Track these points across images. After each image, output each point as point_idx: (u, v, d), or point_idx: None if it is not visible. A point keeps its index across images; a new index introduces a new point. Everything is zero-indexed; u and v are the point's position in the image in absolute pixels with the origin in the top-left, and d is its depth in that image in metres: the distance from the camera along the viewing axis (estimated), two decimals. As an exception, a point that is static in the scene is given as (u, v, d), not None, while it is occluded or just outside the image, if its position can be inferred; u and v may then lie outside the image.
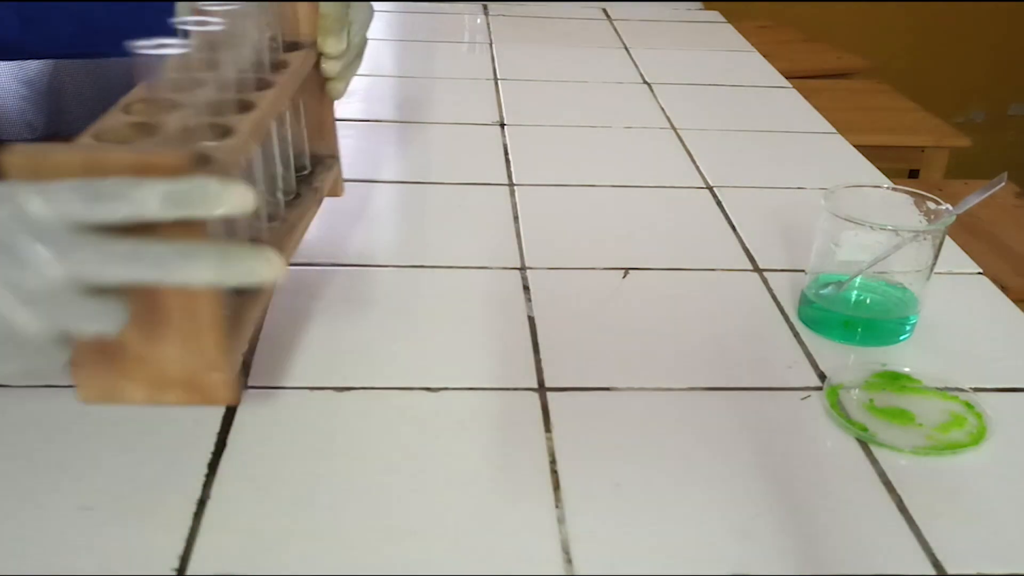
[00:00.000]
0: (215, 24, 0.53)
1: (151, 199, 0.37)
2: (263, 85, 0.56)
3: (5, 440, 0.51)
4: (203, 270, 0.38)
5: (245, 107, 0.52)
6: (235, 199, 0.38)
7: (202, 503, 0.47)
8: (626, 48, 1.34)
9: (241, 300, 0.51)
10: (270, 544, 0.45)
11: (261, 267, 0.39)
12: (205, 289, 0.42)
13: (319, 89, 0.66)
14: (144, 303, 0.42)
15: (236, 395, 0.47)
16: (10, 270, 0.35)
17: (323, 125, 0.67)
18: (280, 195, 0.62)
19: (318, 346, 0.61)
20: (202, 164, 0.42)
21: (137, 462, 0.50)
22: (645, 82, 1.19)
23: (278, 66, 0.59)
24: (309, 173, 0.67)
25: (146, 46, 0.47)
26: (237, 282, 0.39)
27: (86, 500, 0.47)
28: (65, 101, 1.19)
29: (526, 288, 0.69)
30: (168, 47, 0.47)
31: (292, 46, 0.63)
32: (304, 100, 0.66)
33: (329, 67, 0.65)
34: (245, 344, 0.50)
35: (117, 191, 0.37)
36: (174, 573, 0.43)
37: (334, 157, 0.69)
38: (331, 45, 0.64)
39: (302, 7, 0.62)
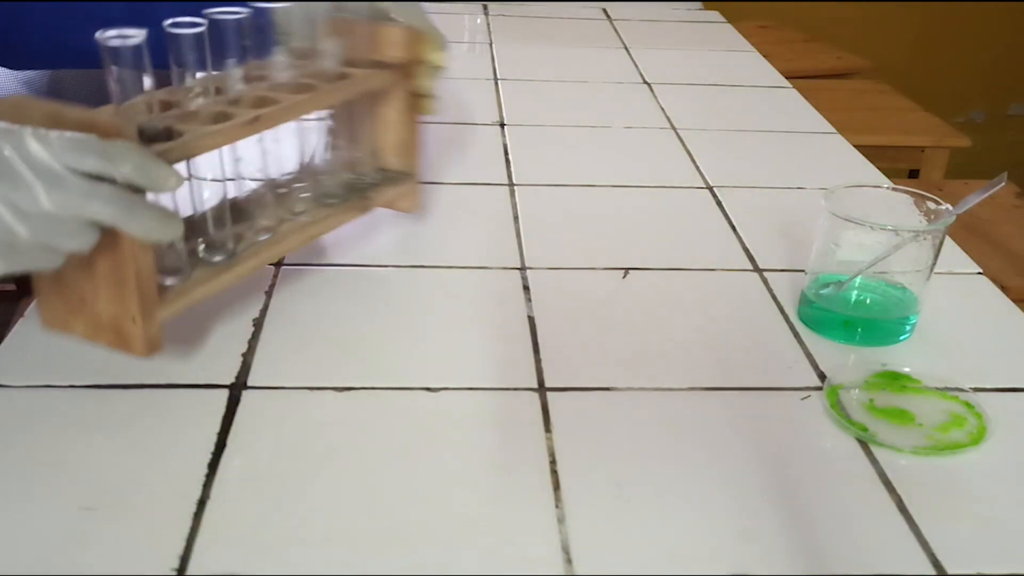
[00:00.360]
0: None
1: (125, 164, 0.46)
2: (305, 90, 0.60)
3: (5, 440, 0.51)
4: (149, 222, 0.47)
5: (267, 104, 0.57)
6: (171, 185, 0.48)
7: (202, 503, 0.47)
8: (626, 48, 1.34)
9: (192, 278, 0.56)
10: (270, 544, 0.45)
11: (161, 228, 0.47)
12: (133, 249, 0.49)
13: (405, 108, 0.68)
14: (90, 252, 0.48)
15: (150, 350, 0.52)
16: (11, 192, 0.44)
17: (404, 143, 0.70)
18: (302, 192, 0.65)
19: (318, 346, 0.61)
20: (144, 137, 0.49)
21: (137, 462, 0.50)
22: (645, 82, 1.19)
23: (340, 77, 0.63)
24: (372, 183, 0.69)
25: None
26: (150, 236, 0.48)
27: (86, 500, 0.47)
28: (64, 100, 1.19)
29: (526, 288, 0.69)
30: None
31: (376, 65, 0.66)
32: (384, 116, 0.69)
33: (428, 84, 0.69)
34: (174, 312, 0.54)
35: (100, 150, 0.45)
36: (174, 573, 0.43)
37: (409, 174, 0.71)
38: (438, 60, 0.68)
39: (397, 30, 0.65)
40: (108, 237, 0.47)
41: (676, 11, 1.57)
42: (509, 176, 0.88)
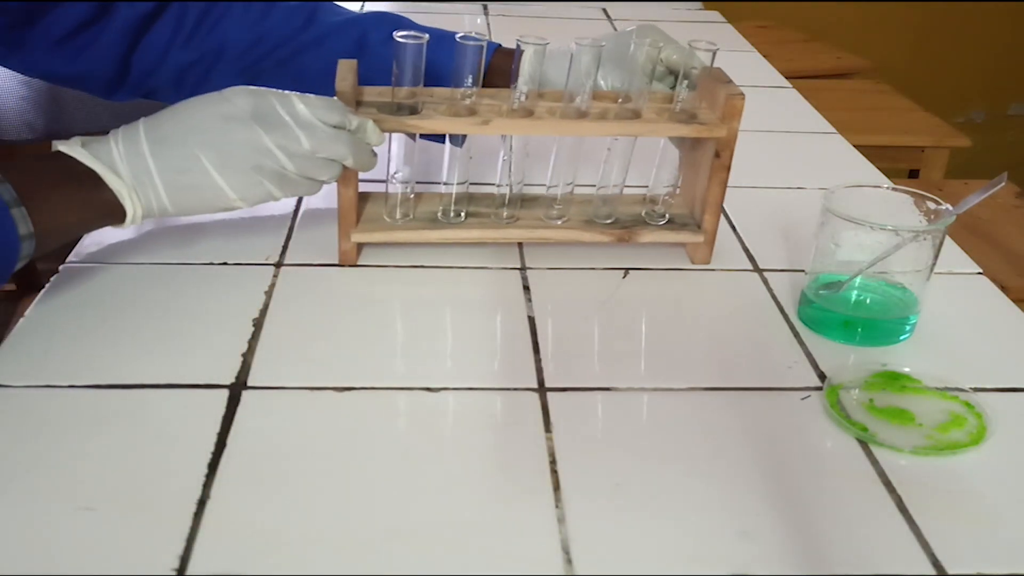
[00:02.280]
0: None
1: (354, 121, 0.64)
2: (579, 117, 0.69)
3: (5, 440, 0.51)
4: (364, 158, 0.65)
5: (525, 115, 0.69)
6: (373, 140, 0.66)
7: (202, 503, 0.47)
8: (626, 48, 1.34)
9: (402, 225, 0.71)
10: (270, 544, 0.45)
11: (370, 163, 0.66)
12: (344, 189, 0.67)
13: (710, 169, 0.70)
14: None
15: (342, 259, 0.71)
16: (282, 139, 0.62)
17: (703, 199, 0.72)
18: (570, 202, 0.73)
19: (318, 346, 0.61)
20: (389, 109, 0.67)
21: (137, 463, 0.50)
22: (645, 82, 1.19)
23: (634, 115, 0.69)
24: (654, 222, 0.74)
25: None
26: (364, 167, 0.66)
27: (86, 500, 0.47)
28: (64, 102, 1.19)
29: (526, 288, 0.69)
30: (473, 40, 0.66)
31: (690, 117, 0.70)
32: (698, 167, 0.73)
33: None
34: (370, 239, 0.71)
35: (341, 110, 0.64)
36: (174, 573, 0.43)
37: (698, 227, 0.73)
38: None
39: (734, 100, 0.69)
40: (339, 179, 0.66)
41: (676, 11, 1.57)
42: (508, 179, 0.88)
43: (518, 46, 0.66)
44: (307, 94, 0.63)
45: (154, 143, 0.61)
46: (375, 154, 0.66)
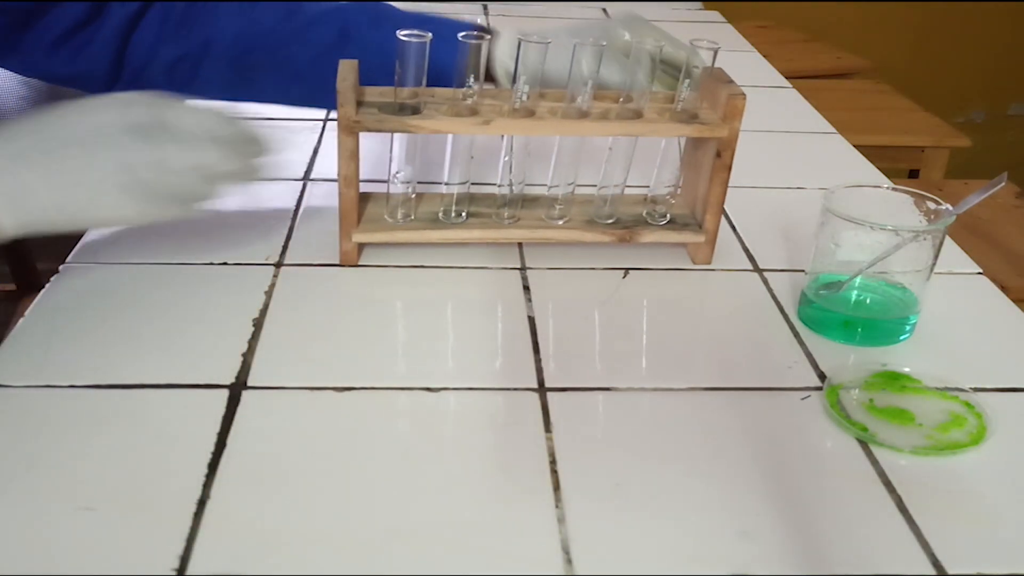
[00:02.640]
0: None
1: (243, 134, 0.61)
2: (580, 116, 0.69)
3: (5, 440, 0.51)
4: (250, 172, 0.62)
5: (527, 115, 0.69)
6: (255, 151, 0.62)
7: (202, 503, 0.47)
8: (626, 48, 1.34)
9: (402, 225, 0.71)
10: (270, 544, 0.45)
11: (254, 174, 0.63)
12: (345, 191, 0.67)
13: (712, 169, 0.70)
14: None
15: (343, 260, 0.70)
16: (160, 154, 0.57)
17: (704, 199, 0.72)
18: (570, 202, 0.73)
19: (318, 346, 0.61)
20: (388, 109, 0.67)
21: (137, 462, 0.50)
22: (645, 82, 1.19)
23: (635, 115, 0.69)
24: (655, 221, 0.74)
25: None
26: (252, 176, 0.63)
27: (86, 500, 0.47)
28: (65, 102, 1.19)
29: (526, 288, 0.69)
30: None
31: (692, 117, 0.69)
32: (699, 167, 0.73)
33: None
34: (372, 240, 0.71)
35: (228, 123, 0.60)
36: (174, 573, 0.43)
37: (701, 226, 0.73)
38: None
39: (735, 100, 0.69)
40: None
41: (676, 11, 1.57)
42: (509, 180, 0.88)
43: (519, 43, 0.66)
44: (197, 105, 0.60)
45: (13, 158, 0.56)
46: (257, 168, 0.63)
